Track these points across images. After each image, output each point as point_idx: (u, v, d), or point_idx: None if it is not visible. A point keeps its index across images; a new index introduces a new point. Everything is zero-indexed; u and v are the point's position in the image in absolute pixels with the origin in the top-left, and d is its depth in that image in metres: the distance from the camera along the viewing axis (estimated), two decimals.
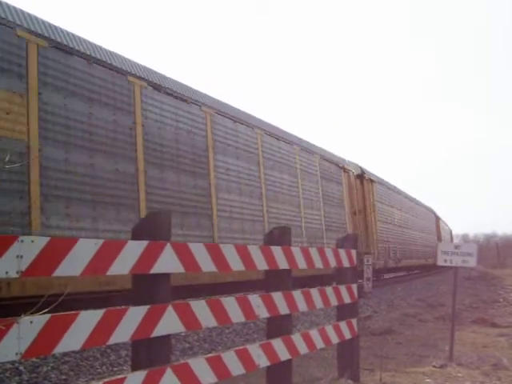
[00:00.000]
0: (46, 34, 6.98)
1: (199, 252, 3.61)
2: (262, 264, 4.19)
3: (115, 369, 6.37)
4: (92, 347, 5.83)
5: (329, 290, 5.25)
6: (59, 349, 2.73)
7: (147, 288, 3.31)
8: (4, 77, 6.30)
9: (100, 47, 7.99)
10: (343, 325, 5.44)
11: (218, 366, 3.62)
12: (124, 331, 3.01)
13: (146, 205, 8.03)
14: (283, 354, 4.33)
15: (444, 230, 43.43)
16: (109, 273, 2.99)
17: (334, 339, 5.25)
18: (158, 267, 3.26)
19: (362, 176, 18.82)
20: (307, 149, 14.38)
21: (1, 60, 6.30)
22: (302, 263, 4.72)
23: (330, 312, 9.96)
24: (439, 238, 36.37)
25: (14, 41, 6.48)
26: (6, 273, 2.51)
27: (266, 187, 11.69)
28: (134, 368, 3.28)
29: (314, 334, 4.91)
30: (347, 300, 5.50)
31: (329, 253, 5.27)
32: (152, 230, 3.37)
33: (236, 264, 3.92)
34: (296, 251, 4.67)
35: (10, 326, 2.48)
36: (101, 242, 2.97)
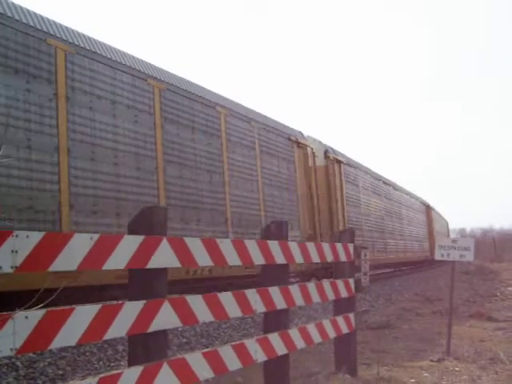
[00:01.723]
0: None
1: (195, 246, 3.59)
2: (258, 258, 4.18)
3: (112, 364, 6.36)
4: (88, 342, 5.83)
5: (326, 284, 5.25)
6: (55, 344, 2.71)
7: (143, 283, 3.30)
8: None
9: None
10: (340, 319, 5.44)
11: (214, 360, 3.61)
12: (120, 326, 3.00)
13: None
14: (280, 349, 4.33)
15: (438, 222, 39.77)
16: (105, 267, 2.98)
17: (332, 333, 5.25)
18: (154, 262, 3.25)
19: (326, 156, 15.96)
20: (240, 114, 11.57)
21: None
22: (298, 257, 4.72)
23: (327, 306, 9.97)
24: (431, 231, 33.24)
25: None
26: (0, 268, 2.49)
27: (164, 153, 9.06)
28: (131, 363, 3.27)
29: (311, 328, 4.91)
30: (344, 294, 5.50)
31: (326, 247, 5.27)
32: (148, 224, 3.36)
33: (233, 258, 3.91)
34: (293, 245, 4.67)
35: (4, 321, 2.47)
36: (96, 236, 2.95)
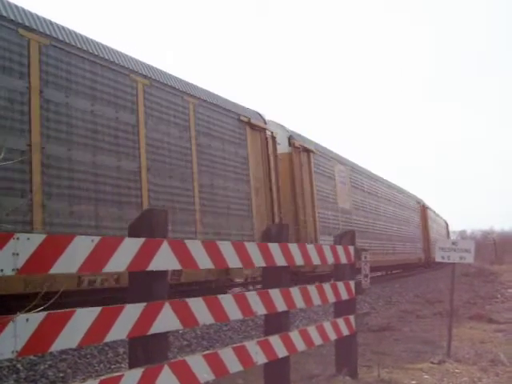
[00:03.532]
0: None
1: (196, 249, 3.60)
2: (259, 261, 4.19)
3: (113, 366, 6.36)
4: (89, 345, 5.83)
5: (326, 286, 5.25)
6: (55, 347, 2.72)
7: (144, 285, 3.30)
8: None
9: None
10: (341, 321, 5.44)
11: (215, 363, 3.61)
12: (121, 328, 3.00)
13: None
14: (281, 351, 4.33)
15: (435, 221, 37.70)
16: (105, 270, 2.98)
17: (332, 336, 5.25)
18: (155, 264, 3.25)
19: (290, 142, 13.77)
20: (168, 86, 9.41)
21: None
22: (299, 260, 4.72)
23: (328, 308, 9.96)
24: (426, 231, 31.01)
25: None
26: (1, 270, 2.50)
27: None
28: (132, 365, 3.28)
29: (312, 330, 4.91)
30: (345, 296, 5.50)
31: (326, 249, 5.27)
32: (149, 226, 3.37)
33: (233, 261, 3.91)
34: (293, 247, 4.67)
35: (6, 323, 2.47)
36: (97, 238, 2.96)
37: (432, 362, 6.48)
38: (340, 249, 5.51)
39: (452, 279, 7.51)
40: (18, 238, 2.57)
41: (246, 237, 10.78)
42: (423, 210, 31.89)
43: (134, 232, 3.35)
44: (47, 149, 6.93)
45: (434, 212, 38.07)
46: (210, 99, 10.61)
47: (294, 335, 4.59)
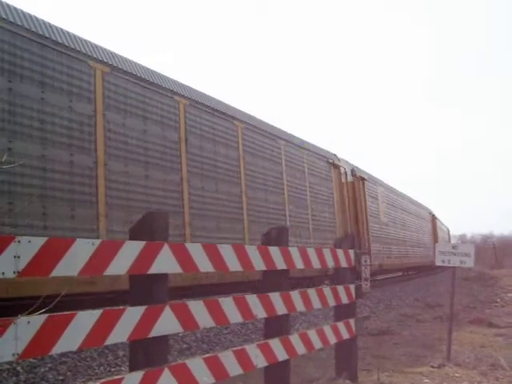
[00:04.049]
0: None
1: (196, 252, 3.60)
2: (259, 264, 4.19)
3: (113, 369, 6.36)
4: (89, 347, 5.82)
5: (326, 290, 5.26)
6: (56, 349, 2.72)
7: (145, 288, 3.31)
8: None
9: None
10: (341, 325, 5.44)
11: (215, 366, 3.61)
12: (122, 331, 3.01)
13: None
14: (281, 355, 4.33)
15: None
16: (106, 273, 2.99)
17: (332, 339, 5.25)
18: (156, 267, 3.26)
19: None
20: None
21: None
22: (299, 263, 4.73)
23: (328, 312, 9.96)
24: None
25: None
26: (3, 273, 2.51)
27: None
28: (132, 368, 3.28)
29: (312, 334, 4.91)
30: (345, 300, 5.50)
31: (327, 253, 5.28)
32: (150, 230, 3.37)
33: (233, 264, 3.92)
34: (293, 251, 4.68)
35: (7, 326, 2.48)
36: (98, 241, 2.97)
37: (432, 366, 6.47)
38: (340, 252, 5.51)
39: (452, 283, 7.51)
40: (19, 241, 2.58)
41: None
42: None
43: (134, 235, 3.36)
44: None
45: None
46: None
47: (294, 339, 4.59)
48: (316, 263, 5.01)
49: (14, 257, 2.55)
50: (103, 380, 2.95)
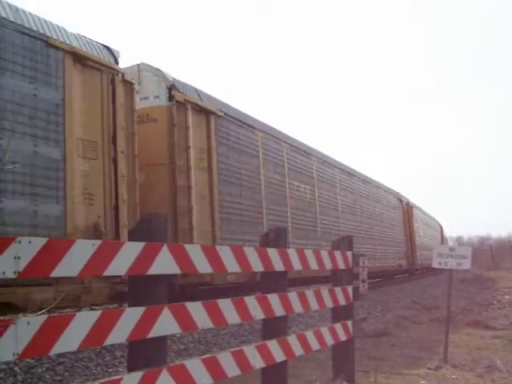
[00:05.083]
0: None
1: (195, 253, 3.62)
2: (257, 266, 4.21)
3: (110, 370, 6.36)
4: (88, 348, 5.83)
5: (324, 291, 5.27)
6: (56, 349, 2.73)
7: (144, 289, 3.32)
8: None
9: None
10: (338, 327, 5.46)
11: (213, 367, 3.63)
12: (120, 332, 3.02)
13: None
14: (278, 356, 4.35)
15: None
16: (106, 273, 3.00)
17: (329, 341, 5.26)
18: (155, 268, 3.27)
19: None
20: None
21: None
22: (297, 265, 4.74)
23: (324, 314, 9.97)
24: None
25: None
26: (3, 273, 2.52)
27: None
28: (131, 369, 3.29)
29: (310, 335, 4.93)
30: (342, 302, 5.51)
31: (324, 255, 5.29)
32: (149, 231, 3.39)
33: (232, 265, 3.93)
34: (291, 253, 4.69)
35: (7, 326, 2.49)
36: (98, 242, 2.98)
37: (429, 368, 6.50)
38: (338, 254, 5.53)
39: (449, 285, 7.53)
40: (19, 242, 2.59)
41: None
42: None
43: (133, 237, 3.38)
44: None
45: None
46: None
47: (292, 340, 4.60)
48: (314, 265, 5.03)
49: (15, 257, 2.56)
50: (102, 380, 2.96)
